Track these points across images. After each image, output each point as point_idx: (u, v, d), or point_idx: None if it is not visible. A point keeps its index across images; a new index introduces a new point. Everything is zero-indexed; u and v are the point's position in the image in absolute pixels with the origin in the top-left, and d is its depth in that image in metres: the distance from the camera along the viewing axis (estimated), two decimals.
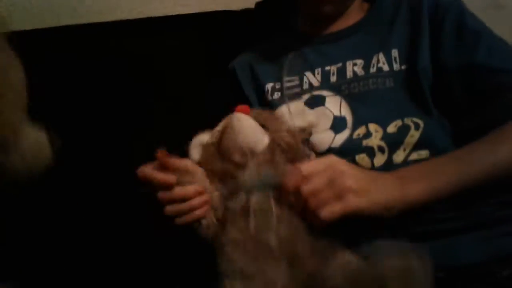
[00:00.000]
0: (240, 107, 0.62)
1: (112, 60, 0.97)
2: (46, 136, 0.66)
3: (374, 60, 0.77)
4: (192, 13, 1.06)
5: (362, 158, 0.71)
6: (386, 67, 0.75)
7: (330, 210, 0.58)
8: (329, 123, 0.75)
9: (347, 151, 0.71)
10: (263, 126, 0.62)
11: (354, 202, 0.59)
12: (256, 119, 0.62)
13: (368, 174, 0.63)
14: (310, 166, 0.61)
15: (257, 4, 1.02)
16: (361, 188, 0.59)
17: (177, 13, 1.12)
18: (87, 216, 0.88)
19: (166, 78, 0.98)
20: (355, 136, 0.72)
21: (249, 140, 0.61)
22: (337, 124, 0.74)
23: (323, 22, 0.83)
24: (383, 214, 0.60)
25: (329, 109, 0.76)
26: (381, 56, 0.76)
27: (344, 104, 0.75)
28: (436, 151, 0.69)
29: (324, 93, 0.77)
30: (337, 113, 0.75)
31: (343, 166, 0.61)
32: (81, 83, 0.94)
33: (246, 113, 0.62)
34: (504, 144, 0.65)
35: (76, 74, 0.95)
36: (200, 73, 0.98)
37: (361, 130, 0.72)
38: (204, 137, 0.66)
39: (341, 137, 0.73)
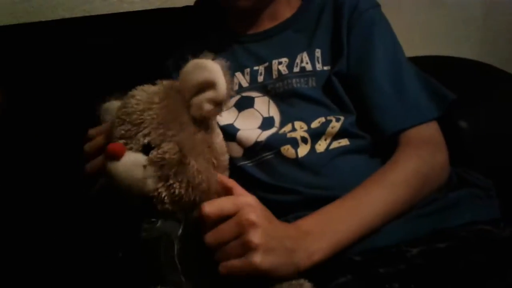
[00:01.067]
0: (111, 148, 0.55)
1: (50, 59, 0.96)
2: None
3: (298, 59, 0.79)
4: (130, 11, 1.05)
5: (286, 149, 0.73)
6: (309, 67, 0.78)
7: (228, 267, 0.54)
8: (258, 124, 0.77)
9: (273, 143, 0.74)
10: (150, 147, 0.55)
11: (257, 261, 0.53)
12: (137, 140, 0.55)
13: (277, 230, 0.57)
14: (218, 206, 0.55)
15: (196, 1, 1.01)
16: (268, 247, 0.54)
17: (122, 10, 1.11)
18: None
19: (103, 76, 0.97)
20: (281, 132, 0.75)
21: (132, 190, 0.55)
22: (266, 124, 0.77)
23: (252, 20, 0.84)
24: (289, 273, 0.56)
25: (258, 111, 0.78)
26: (305, 56, 0.78)
27: (272, 104, 0.78)
28: (355, 140, 0.73)
29: (253, 94, 0.79)
30: (265, 114, 0.77)
31: (254, 215, 0.54)
32: (19, 83, 0.92)
33: (120, 153, 0.55)
34: (395, 187, 0.66)
35: (15, 73, 0.93)
36: (136, 72, 0.96)
37: (287, 128, 0.75)
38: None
39: (267, 133, 0.75)
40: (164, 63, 0.89)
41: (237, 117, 0.77)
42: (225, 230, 0.54)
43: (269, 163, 0.74)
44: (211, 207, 0.54)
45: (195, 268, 0.57)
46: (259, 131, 0.75)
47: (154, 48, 0.97)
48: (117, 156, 0.54)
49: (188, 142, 0.56)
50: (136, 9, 1.12)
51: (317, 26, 0.80)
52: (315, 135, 0.73)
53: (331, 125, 0.73)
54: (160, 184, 0.56)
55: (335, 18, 0.79)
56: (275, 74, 0.78)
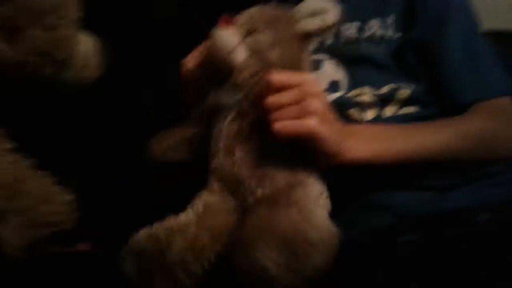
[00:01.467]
0: (223, 20, 0.62)
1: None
2: (96, 44, 0.69)
3: (369, 24, 0.78)
4: None
5: (352, 112, 0.74)
6: (380, 33, 0.77)
7: (284, 125, 0.56)
8: (324, 86, 0.77)
9: (338, 107, 0.73)
10: (252, 31, 0.63)
11: (312, 125, 0.56)
12: (244, 27, 0.63)
13: (335, 115, 0.61)
14: (282, 77, 0.58)
15: None
16: (325, 116, 0.58)
17: None
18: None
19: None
20: (348, 95, 0.75)
21: (221, 55, 0.61)
22: (332, 87, 0.76)
23: None
24: (332, 152, 0.59)
25: (325, 74, 0.78)
26: (377, 21, 0.78)
27: (339, 67, 0.77)
28: (424, 108, 0.73)
29: (321, 56, 0.79)
30: (332, 77, 0.77)
31: (318, 88, 0.59)
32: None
33: (229, 24, 0.62)
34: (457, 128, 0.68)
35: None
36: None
37: (354, 92, 0.75)
38: None
39: (334, 96, 0.76)
40: None
41: None
42: (287, 94, 0.57)
43: None
44: (278, 74, 0.58)
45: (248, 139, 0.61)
46: (326, 93, 0.75)
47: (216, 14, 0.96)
48: (225, 25, 0.62)
49: (282, 42, 0.63)
50: None
51: None
52: (383, 100, 0.73)
53: (400, 91, 0.73)
54: (245, 60, 0.61)
55: None
56: (345, 38, 0.78)
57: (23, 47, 0.60)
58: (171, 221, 0.60)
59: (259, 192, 0.59)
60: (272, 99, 0.57)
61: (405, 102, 0.73)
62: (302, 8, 0.65)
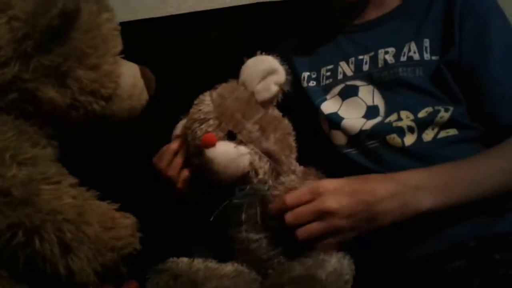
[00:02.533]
0: (205, 138, 0.63)
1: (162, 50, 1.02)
2: (138, 72, 0.71)
3: (405, 49, 0.78)
4: (236, 6, 1.09)
5: (392, 138, 0.74)
6: (416, 56, 0.77)
7: (326, 245, 0.61)
8: (362, 112, 0.78)
9: (378, 132, 0.75)
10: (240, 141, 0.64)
11: (346, 238, 0.61)
12: (223, 127, 0.64)
13: (361, 202, 0.61)
14: (297, 198, 0.62)
15: None
16: (352, 226, 0.60)
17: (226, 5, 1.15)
18: None
19: (209, 67, 1.01)
20: (386, 121, 0.75)
21: (229, 170, 0.63)
22: (370, 113, 0.77)
23: (358, 11, 0.84)
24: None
25: (362, 99, 0.78)
26: (413, 45, 0.78)
27: (376, 93, 0.78)
28: (464, 130, 0.72)
29: (357, 82, 0.80)
30: (370, 102, 0.78)
31: (332, 201, 0.60)
32: None
33: (215, 139, 0.62)
34: None
35: None
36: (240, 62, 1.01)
37: (392, 117, 0.75)
38: None
39: (372, 122, 0.76)
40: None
41: (341, 105, 0.79)
42: (305, 213, 0.61)
43: (375, 151, 0.75)
44: (291, 199, 0.61)
45: (274, 228, 0.64)
46: (364, 120, 0.76)
47: (258, 42, 1.00)
48: (212, 143, 0.62)
49: (264, 120, 0.66)
50: (242, 3, 1.15)
51: (427, 16, 0.79)
52: (422, 124, 0.73)
53: (439, 115, 0.72)
54: (253, 158, 0.64)
55: (446, 8, 0.77)
56: (381, 63, 0.78)
57: (72, 90, 0.63)
58: (215, 265, 0.65)
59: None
60: (291, 218, 0.61)
61: (444, 126, 0.72)
62: (247, 76, 0.67)
